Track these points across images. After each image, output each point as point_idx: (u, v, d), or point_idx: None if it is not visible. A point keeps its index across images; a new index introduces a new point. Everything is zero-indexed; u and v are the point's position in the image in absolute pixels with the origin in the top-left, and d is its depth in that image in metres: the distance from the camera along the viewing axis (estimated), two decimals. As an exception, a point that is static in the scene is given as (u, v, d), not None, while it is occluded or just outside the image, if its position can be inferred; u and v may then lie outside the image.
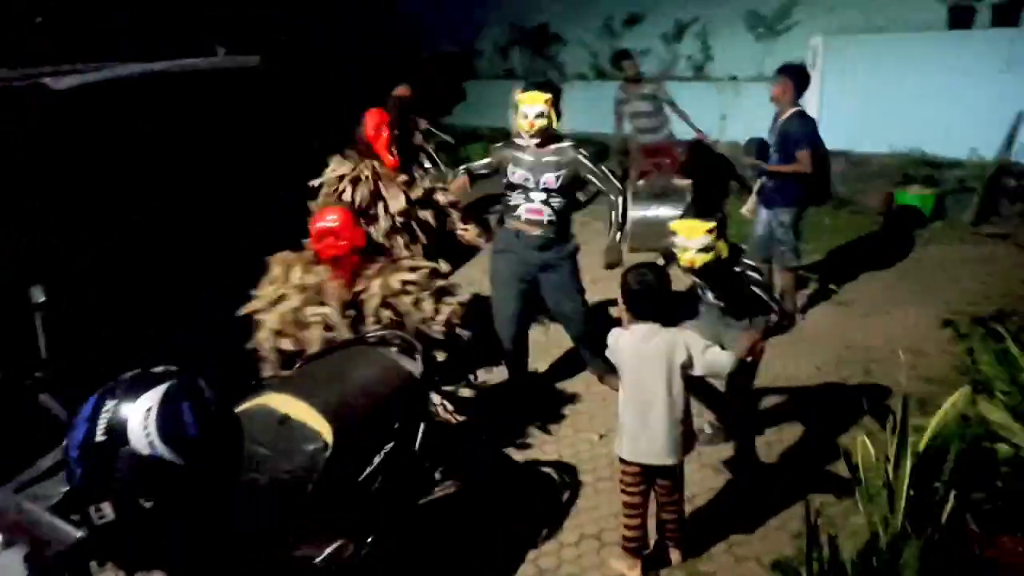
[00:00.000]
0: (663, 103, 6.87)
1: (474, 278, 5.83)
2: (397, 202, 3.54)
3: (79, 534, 1.59)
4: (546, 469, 3.55)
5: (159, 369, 1.55)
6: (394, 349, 2.71)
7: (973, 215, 6.76)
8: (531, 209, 3.71)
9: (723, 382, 3.21)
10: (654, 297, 2.59)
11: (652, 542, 2.90)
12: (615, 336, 2.70)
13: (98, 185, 3.33)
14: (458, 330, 3.27)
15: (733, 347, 2.75)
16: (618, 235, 3.85)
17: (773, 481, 3.34)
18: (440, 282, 3.30)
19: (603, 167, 3.81)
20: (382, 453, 2.31)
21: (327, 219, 3.05)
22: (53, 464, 1.84)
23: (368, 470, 2.26)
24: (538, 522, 3.17)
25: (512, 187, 3.75)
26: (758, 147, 4.97)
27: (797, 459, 3.52)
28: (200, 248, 3.60)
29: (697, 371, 2.54)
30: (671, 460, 2.64)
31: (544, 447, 3.75)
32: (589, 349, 4.06)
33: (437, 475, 2.74)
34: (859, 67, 7.45)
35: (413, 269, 3.22)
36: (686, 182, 6.35)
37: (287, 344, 2.93)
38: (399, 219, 3.53)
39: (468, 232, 3.84)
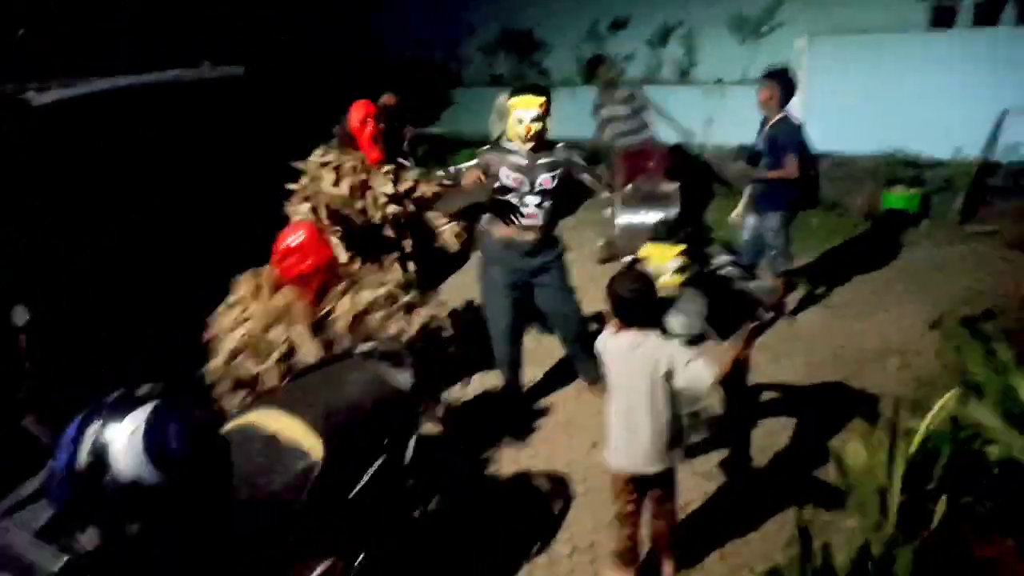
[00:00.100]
0: (642, 106, 6.85)
1: (464, 286, 5.83)
2: (385, 190, 3.51)
3: (64, 560, 1.56)
4: (538, 480, 3.53)
5: (144, 389, 1.53)
6: (384, 362, 2.69)
7: (959, 214, 6.80)
8: (525, 213, 3.68)
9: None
10: (640, 304, 2.58)
11: (645, 552, 2.89)
12: (603, 340, 2.70)
13: (80, 200, 3.30)
14: (443, 334, 3.24)
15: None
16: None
17: (765, 487, 3.34)
18: (408, 296, 3.24)
19: (595, 169, 3.81)
20: (373, 468, 2.29)
21: (292, 237, 2.94)
22: (37, 489, 1.82)
23: (359, 486, 2.24)
24: (531, 534, 3.15)
25: (504, 191, 3.67)
26: (748, 154, 5.01)
27: (789, 464, 3.52)
28: (185, 262, 3.57)
29: (678, 384, 2.53)
30: (657, 468, 2.63)
31: (536, 457, 3.74)
32: (581, 352, 4.04)
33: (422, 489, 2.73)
34: (843, 68, 7.48)
35: (380, 284, 3.16)
36: (673, 186, 6.34)
37: (248, 367, 2.83)
38: (389, 210, 3.51)
39: (447, 231, 3.82)
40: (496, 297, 3.87)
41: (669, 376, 2.51)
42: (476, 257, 3.99)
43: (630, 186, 6.53)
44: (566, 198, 3.88)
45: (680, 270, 2.82)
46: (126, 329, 3.21)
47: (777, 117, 4.74)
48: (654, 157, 6.83)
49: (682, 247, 2.79)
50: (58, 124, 3.28)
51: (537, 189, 3.64)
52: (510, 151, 3.66)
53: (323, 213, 3.48)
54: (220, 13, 8.70)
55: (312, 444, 2.10)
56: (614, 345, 2.64)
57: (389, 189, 3.52)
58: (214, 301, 2.98)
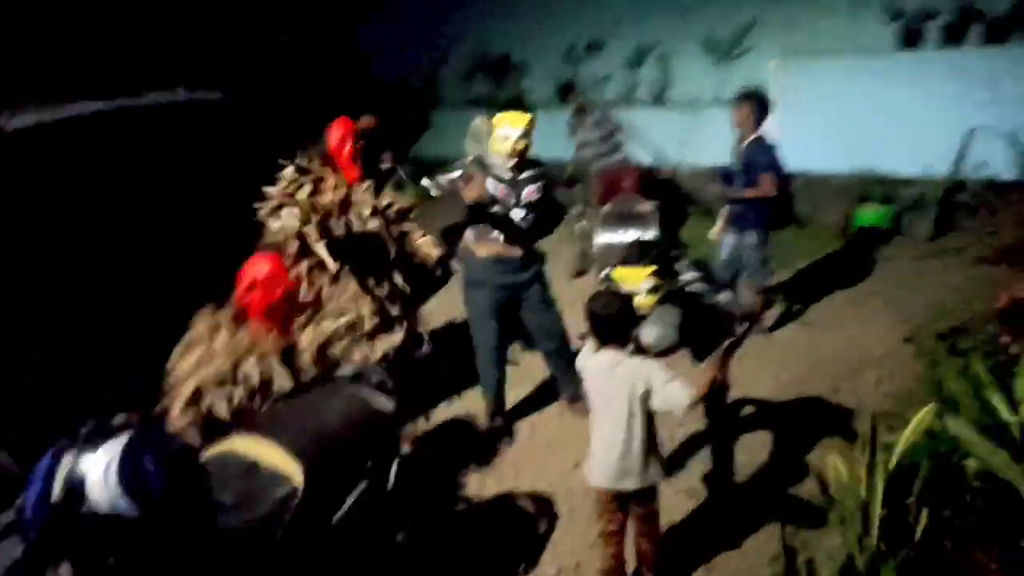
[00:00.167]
0: (614, 128, 6.93)
1: (446, 307, 5.82)
2: (366, 207, 3.52)
3: (36, 597, 1.52)
4: (522, 500, 3.51)
5: (118, 420, 1.50)
6: (365, 385, 2.67)
7: (930, 231, 6.91)
8: (513, 226, 3.70)
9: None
10: (617, 322, 2.60)
11: (631, 570, 2.87)
12: (583, 359, 2.71)
13: (52, 227, 3.25)
14: (419, 354, 3.24)
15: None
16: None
17: (747, 503, 3.35)
18: (371, 324, 3.26)
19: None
20: (355, 494, 2.26)
21: (257, 269, 2.89)
22: (9, 523, 1.77)
23: (341, 511, 2.21)
24: (516, 555, 3.13)
25: (493, 202, 3.68)
26: (723, 176, 5.06)
27: (770, 480, 3.53)
28: (149, 297, 3.50)
29: (655, 405, 2.54)
30: (637, 485, 2.63)
31: (520, 477, 3.72)
32: (563, 368, 4.04)
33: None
34: (815, 89, 7.63)
35: (341, 314, 3.16)
36: (650, 205, 6.40)
37: (219, 404, 2.74)
38: (371, 225, 3.51)
39: (424, 245, 3.81)
40: (483, 320, 3.87)
41: (647, 396, 2.52)
42: (458, 277, 3.98)
43: (608, 206, 6.59)
44: (547, 215, 3.93)
45: (652, 290, 2.85)
46: (85, 364, 3.14)
47: (751, 137, 4.80)
48: (629, 177, 6.90)
49: (652, 268, 2.82)
50: (31, 149, 3.24)
51: (523, 202, 3.69)
52: (494, 167, 3.70)
53: (312, 220, 3.48)
54: (199, 36, 8.69)
55: (292, 470, 2.08)
56: (593, 364, 2.65)
57: (369, 205, 3.52)
58: (175, 336, 2.93)
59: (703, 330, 3.13)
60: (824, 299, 5.73)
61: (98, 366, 3.13)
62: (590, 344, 2.67)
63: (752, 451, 3.74)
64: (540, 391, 4.50)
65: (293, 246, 3.49)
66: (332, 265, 3.41)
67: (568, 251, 6.81)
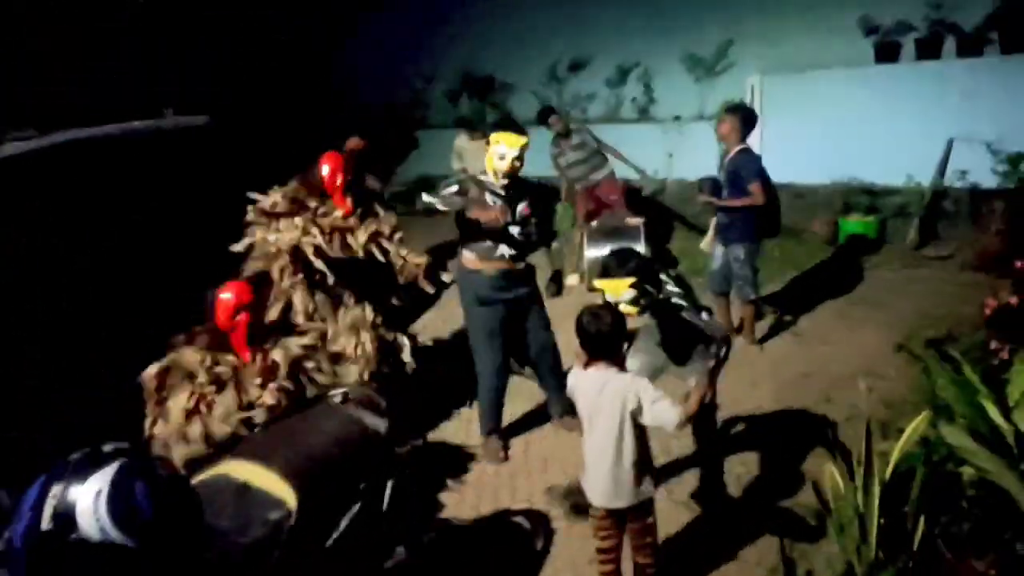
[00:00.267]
0: (594, 147, 6.95)
1: (435, 324, 5.81)
2: (362, 233, 3.64)
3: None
4: (518, 517, 3.48)
5: (108, 447, 1.46)
6: (357, 406, 2.65)
7: (914, 239, 6.98)
8: (512, 243, 3.73)
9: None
10: (608, 339, 2.59)
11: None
12: (574, 376, 2.70)
13: (36, 254, 3.23)
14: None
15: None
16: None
17: (744, 515, 3.33)
18: (335, 347, 3.37)
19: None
20: (349, 516, 2.24)
21: (234, 295, 2.89)
22: (-4, 555, 1.73)
23: (335, 534, 2.19)
24: (512, 572, 3.10)
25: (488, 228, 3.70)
26: (711, 185, 5.09)
27: (766, 490, 3.52)
28: (125, 323, 3.48)
29: (644, 421, 2.53)
30: (629, 502, 2.61)
31: (515, 495, 3.69)
32: (556, 383, 4.05)
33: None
34: (796, 102, 7.73)
35: (303, 333, 3.23)
36: (638, 220, 6.44)
37: (212, 427, 2.75)
38: (363, 248, 3.60)
39: (410, 260, 3.84)
40: (492, 337, 3.86)
41: (637, 412, 2.52)
42: (448, 296, 3.99)
43: (596, 222, 6.62)
44: (542, 230, 4.00)
45: (634, 301, 2.85)
46: (87, 382, 3.11)
47: (736, 149, 4.85)
48: (615, 192, 6.94)
49: (633, 279, 2.83)
50: (12, 177, 3.23)
51: (519, 218, 3.72)
52: (488, 185, 3.71)
53: (311, 233, 3.56)
54: (188, 56, 8.71)
55: (285, 493, 2.05)
56: (583, 381, 2.64)
57: (364, 232, 3.59)
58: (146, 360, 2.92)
59: (683, 346, 3.13)
60: (814, 309, 5.76)
61: (72, 388, 3.11)
62: (579, 361, 2.67)
63: (747, 462, 3.73)
64: (532, 408, 4.48)
65: (284, 260, 3.53)
66: (330, 277, 3.47)
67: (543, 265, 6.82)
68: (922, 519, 2.39)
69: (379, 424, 2.55)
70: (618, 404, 2.52)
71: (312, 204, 3.70)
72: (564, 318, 3.98)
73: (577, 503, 3.22)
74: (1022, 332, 3.44)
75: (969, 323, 4.79)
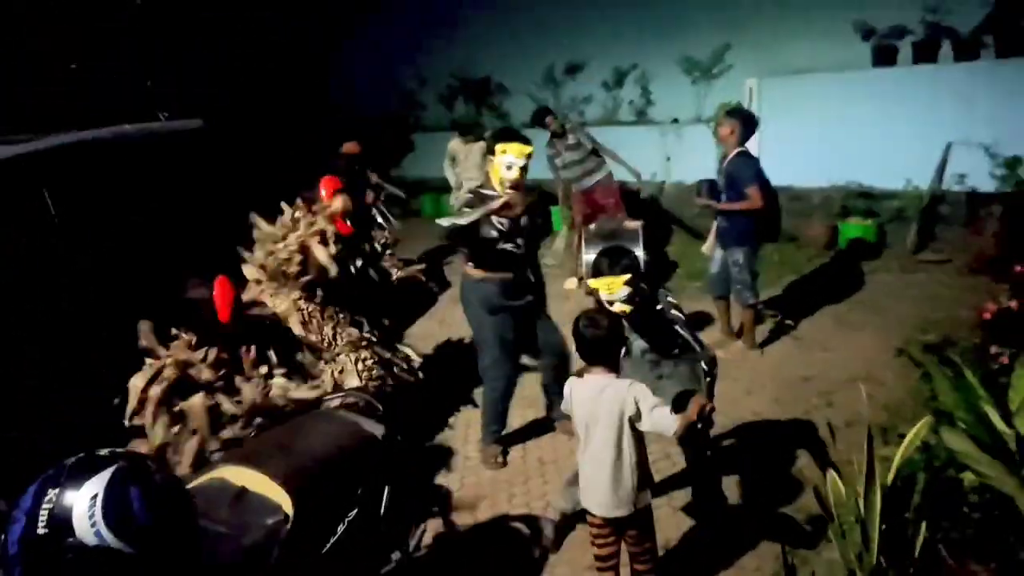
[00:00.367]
0: (591, 148, 6.92)
1: (432, 331, 5.79)
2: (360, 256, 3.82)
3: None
4: (516, 523, 3.46)
5: (104, 452, 1.45)
6: (355, 411, 2.63)
7: (913, 243, 6.99)
8: (518, 253, 3.75)
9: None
10: (606, 344, 2.58)
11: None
12: (570, 386, 2.68)
13: (32, 257, 3.20)
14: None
15: (667, 390, 2.80)
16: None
17: (744, 521, 3.32)
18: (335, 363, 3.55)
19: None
20: (346, 521, 2.21)
21: (226, 291, 3.05)
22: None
23: (332, 540, 2.16)
24: (511, 580, 3.08)
25: (500, 235, 3.68)
26: (709, 188, 5.08)
27: (767, 496, 3.50)
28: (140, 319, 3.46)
29: (643, 428, 2.52)
30: (625, 511, 2.59)
31: (513, 500, 3.67)
32: (560, 385, 4.02)
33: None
34: (793, 106, 7.73)
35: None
36: (637, 223, 6.43)
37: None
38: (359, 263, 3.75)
39: (401, 272, 3.92)
40: (504, 344, 3.85)
41: (635, 419, 2.50)
42: (444, 302, 3.99)
43: (594, 225, 6.60)
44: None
45: (628, 299, 2.84)
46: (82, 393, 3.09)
47: (735, 152, 4.84)
48: (612, 195, 6.92)
49: (627, 276, 2.82)
50: (7, 181, 3.20)
51: (523, 227, 3.73)
52: (493, 199, 3.62)
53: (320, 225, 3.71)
54: (184, 59, 8.69)
55: (282, 498, 2.03)
56: (581, 389, 2.62)
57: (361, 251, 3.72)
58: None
59: (671, 346, 3.13)
60: (814, 313, 5.76)
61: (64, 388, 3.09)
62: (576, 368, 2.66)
63: (747, 468, 3.72)
64: (529, 414, 4.47)
65: (296, 259, 3.60)
66: (332, 268, 3.64)
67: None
68: (924, 525, 2.37)
69: (376, 429, 2.53)
70: (616, 410, 2.50)
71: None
72: (562, 325, 3.98)
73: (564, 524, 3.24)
74: (1022, 336, 3.43)
75: (968, 327, 4.79)
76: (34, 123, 4.24)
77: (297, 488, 2.07)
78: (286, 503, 2.02)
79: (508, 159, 3.59)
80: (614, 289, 2.84)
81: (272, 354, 3.30)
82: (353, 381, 3.55)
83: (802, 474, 3.59)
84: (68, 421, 2.85)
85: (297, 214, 3.81)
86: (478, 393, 4.39)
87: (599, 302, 2.92)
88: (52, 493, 1.35)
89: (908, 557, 2.38)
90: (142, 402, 2.82)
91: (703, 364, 3.04)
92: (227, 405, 2.93)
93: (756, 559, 3.05)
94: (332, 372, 3.55)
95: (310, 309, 3.71)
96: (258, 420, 2.97)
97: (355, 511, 2.27)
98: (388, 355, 3.92)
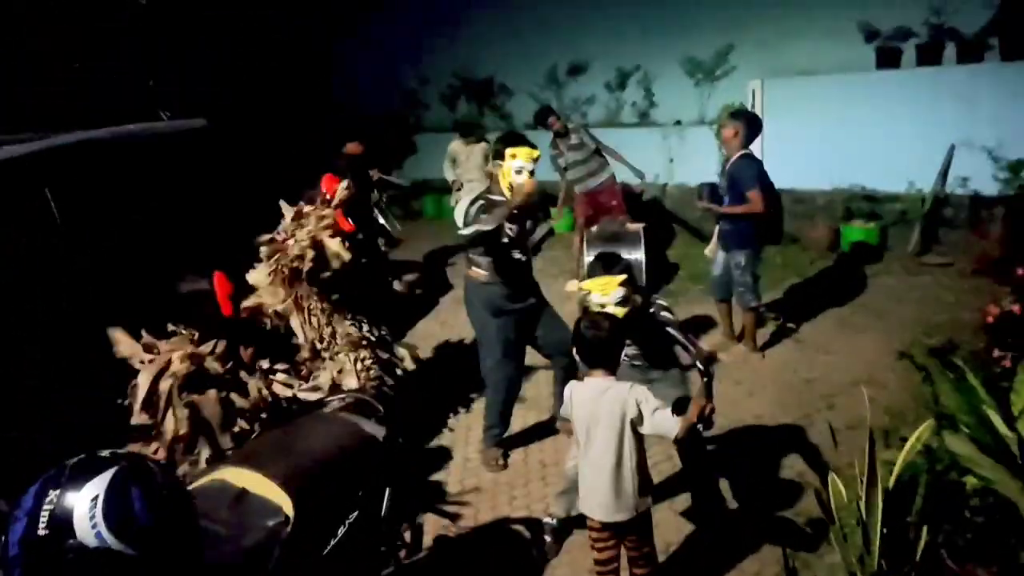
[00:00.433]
0: (594, 148, 6.90)
1: (433, 332, 5.80)
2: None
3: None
4: (517, 526, 3.46)
5: (105, 453, 1.45)
6: (355, 413, 2.63)
7: (916, 246, 6.97)
8: (524, 257, 3.80)
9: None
10: (607, 346, 2.57)
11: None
12: (570, 390, 2.68)
13: (26, 263, 3.20)
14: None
15: (659, 393, 2.80)
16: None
17: (746, 524, 3.31)
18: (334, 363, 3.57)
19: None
20: (347, 523, 2.21)
21: (224, 284, 3.05)
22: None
23: (333, 542, 2.16)
24: (511, 582, 3.08)
25: (510, 243, 3.70)
26: (710, 192, 5.07)
27: (768, 499, 3.50)
28: (142, 318, 3.46)
29: (644, 430, 2.51)
30: (625, 516, 2.58)
31: (514, 502, 3.67)
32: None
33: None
34: (797, 108, 7.72)
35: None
36: (639, 225, 6.42)
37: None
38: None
39: (400, 287, 3.95)
40: (512, 345, 3.86)
41: (637, 421, 2.49)
42: (445, 304, 3.99)
43: (596, 226, 6.60)
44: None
45: (623, 301, 2.84)
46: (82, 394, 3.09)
47: (738, 155, 4.82)
48: (615, 197, 6.90)
49: (623, 277, 2.82)
50: (9, 180, 3.20)
51: (528, 229, 3.76)
52: (501, 203, 3.62)
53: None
54: (187, 58, 8.70)
55: (283, 500, 2.03)
56: (581, 392, 2.61)
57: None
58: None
59: (666, 352, 3.13)
60: (816, 316, 5.75)
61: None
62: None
63: (749, 471, 3.71)
64: (530, 416, 4.46)
65: (309, 255, 3.62)
66: (346, 255, 3.66)
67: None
68: (925, 528, 2.36)
69: (377, 431, 2.53)
70: (618, 412, 2.49)
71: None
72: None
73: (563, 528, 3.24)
74: (1024, 340, 3.43)
75: (970, 330, 4.79)
76: (36, 123, 4.24)
77: (298, 489, 2.07)
78: (287, 504, 2.02)
79: (518, 164, 3.60)
80: (608, 290, 2.83)
81: (271, 352, 3.30)
82: (351, 381, 3.54)
83: (803, 477, 3.58)
84: (68, 421, 2.85)
85: (306, 208, 3.80)
86: (479, 395, 4.39)
87: (586, 309, 2.91)
88: (53, 494, 1.35)
89: (909, 561, 2.38)
90: (150, 397, 2.80)
91: (697, 365, 3.02)
92: (238, 400, 2.92)
93: (757, 562, 3.05)
94: (331, 372, 3.55)
95: (312, 306, 3.70)
96: (263, 416, 2.96)
97: (356, 513, 2.27)
98: (387, 356, 3.92)
